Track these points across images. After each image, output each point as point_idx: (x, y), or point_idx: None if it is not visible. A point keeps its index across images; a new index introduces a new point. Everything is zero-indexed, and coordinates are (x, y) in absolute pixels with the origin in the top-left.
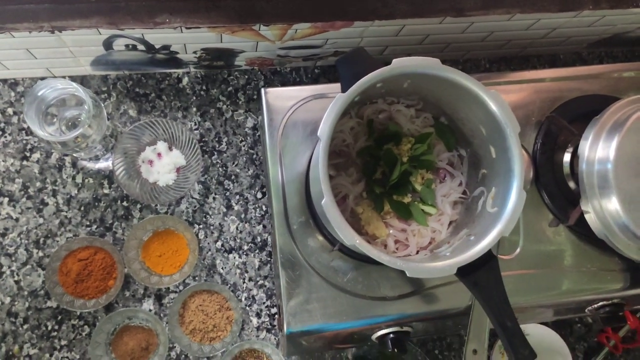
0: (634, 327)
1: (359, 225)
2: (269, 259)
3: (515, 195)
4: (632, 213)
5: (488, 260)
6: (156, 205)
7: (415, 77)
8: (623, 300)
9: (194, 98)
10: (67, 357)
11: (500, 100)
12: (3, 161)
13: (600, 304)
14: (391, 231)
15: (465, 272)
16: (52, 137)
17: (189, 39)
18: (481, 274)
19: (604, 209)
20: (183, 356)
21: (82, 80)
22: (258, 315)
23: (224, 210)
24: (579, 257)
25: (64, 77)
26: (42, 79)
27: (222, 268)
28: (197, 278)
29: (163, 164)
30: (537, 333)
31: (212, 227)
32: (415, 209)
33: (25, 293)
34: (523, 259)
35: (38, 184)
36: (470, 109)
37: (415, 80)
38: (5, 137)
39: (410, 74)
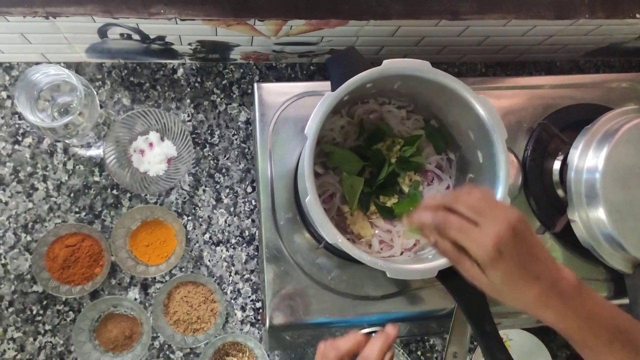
0: None
1: (345, 225)
2: (256, 253)
3: None
4: (617, 223)
5: None
6: (146, 195)
7: (406, 78)
8: None
9: (188, 90)
10: (50, 342)
11: (489, 105)
12: None
13: None
14: (377, 231)
15: (446, 276)
16: (42, 122)
17: (183, 31)
18: (462, 277)
19: (590, 218)
20: (166, 346)
21: (77, 67)
22: (243, 308)
23: (214, 202)
24: (564, 265)
25: (59, 63)
26: (37, 64)
27: (208, 260)
28: (183, 269)
29: (154, 154)
30: (519, 339)
31: (200, 219)
32: (401, 210)
33: (12, 276)
34: None
35: (29, 169)
36: (460, 113)
37: (406, 82)
38: None
39: (401, 75)
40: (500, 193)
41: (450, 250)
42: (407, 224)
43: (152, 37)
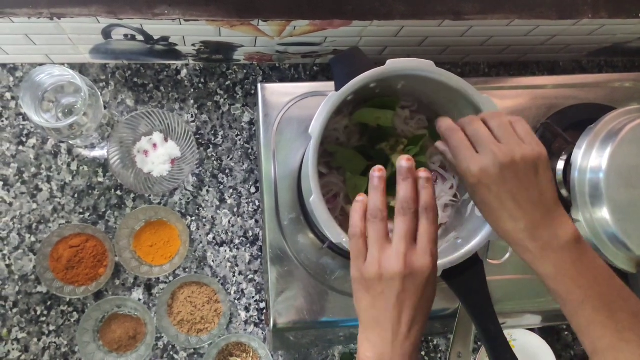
0: None
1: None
2: (259, 253)
3: None
4: (621, 223)
5: (474, 264)
6: (150, 195)
7: (410, 78)
8: None
9: (192, 90)
10: (55, 343)
11: (492, 105)
12: None
13: None
14: None
15: (451, 275)
16: (47, 123)
17: (187, 32)
18: (466, 277)
19: (594, 218)
20: (170, 346)
21: (81, 68)
22: (246, 309)
23: (217, 203)
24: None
25: (63, 64)
26: (42, 65)
27: (212, 261)
28: (187, 270)
29: (158, 155)
30: (523, 339)
31: (204, 220)
32: None
33: (16, 277)
34: (512, 264)
35: (33, 170)
36: (463, 112)
37: (409, 81)
38: (2, 121)
39: (404, 75)
40: None
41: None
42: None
43: (156, 37)
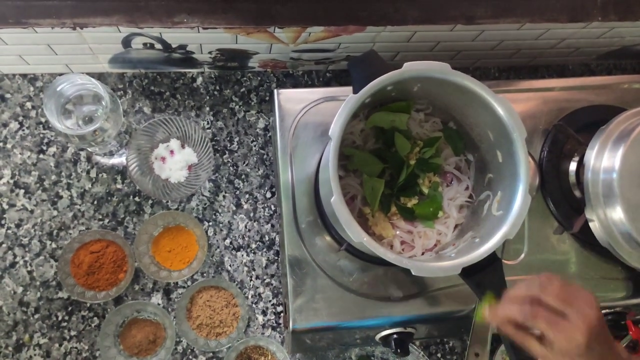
0: (636, 337)
1: (366, 226)
2: (276, 257)
3: (520, 199)
4: (635, 222)
5: (492, 261)
6: (167, 201)
7: (426, 81)
8: (625, 309)
9: (207, 98)
10: (76, 348)
11: (508, 105)
12: (20, 154)
13: (603, 312)
14: (397, 232)
15: (470, 273)
16: (71, 130)
17: (205, 39)
18: (485, 275)
19: (608, 217)
20: (189, 350)
21: (100, 78)
22: (264, 312)
23: (234, 208)
24: (582, 265)
25: (82, 73)
26: (61, 74)
27: (230, 265)
28: (205, 274)
29: (175, 161)
30: None
31: (221, 225)
32: (421, 210)
33: (38, 283)
34: (527, 264)
35: (53, 177)
36: (479, 114)
37: (425, 84)
38: (23, 130)
39: (421, 77)
40: (521, 191)
41: (524, 337)
42: (491, 316)
43: (174, 46)
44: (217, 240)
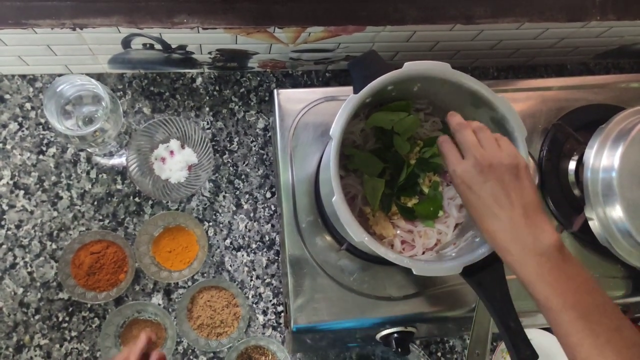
0: None
1: (367, 225)
2: (276, 257)
3: None
4: (635, 221)
5: (493, 261)
6: (167, 201)
7: (426, 80)
8: (625, 307)
9: (207, 98)
10: (76, 348)
11: (508, 105)
12: (20, 155)
13: None
14: (398, 231)
15: (470, 272)
16: (71, 131)
17: (204, 40)
18: (486, 274)
19: (607, 216)
20: (190, 350)
21: (99, 78)
22: (264, 312)
23: (234, 208)
24: (582, 263)
25: (81, 74)
26: (60, 75)
27: (230, 265)
28: (205, 274)
29: (175, 162)
30: (538, 338)
31: (221, 225)
32: (422, 210)
33: (38, 284)
34: None
35: (53, 178)
36: (479, 113)
37: (425, 84)
38: (23, 131)
39: (421, 77)
40: None
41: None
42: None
43: (173, 46)
44: (217, 241)
